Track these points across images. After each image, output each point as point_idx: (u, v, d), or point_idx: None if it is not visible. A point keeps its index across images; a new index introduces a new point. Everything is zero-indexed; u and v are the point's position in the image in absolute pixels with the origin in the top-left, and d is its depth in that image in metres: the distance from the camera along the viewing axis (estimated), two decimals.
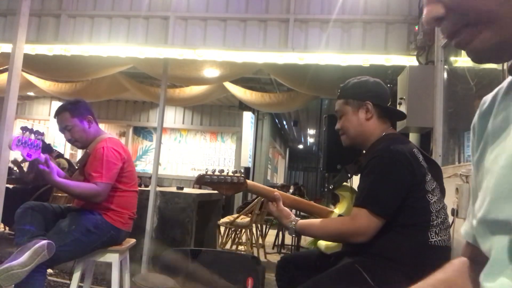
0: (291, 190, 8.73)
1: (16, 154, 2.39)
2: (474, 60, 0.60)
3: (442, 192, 1.63)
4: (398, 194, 1.51)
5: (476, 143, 0.68)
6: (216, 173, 1.77)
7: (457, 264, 0.75)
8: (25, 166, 5.74)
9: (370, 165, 1.57)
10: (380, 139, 1.66)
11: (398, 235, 1.52)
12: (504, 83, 0.64)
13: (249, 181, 1.79)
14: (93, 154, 2.44)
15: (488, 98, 0.68)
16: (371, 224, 1.49)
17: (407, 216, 1.51)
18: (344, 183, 1.86)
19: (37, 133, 2.26)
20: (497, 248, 0.55)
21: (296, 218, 1.70)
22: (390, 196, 1.51)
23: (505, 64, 2.32)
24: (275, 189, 1.83)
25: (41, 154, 2.24)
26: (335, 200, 4.42)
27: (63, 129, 2.51)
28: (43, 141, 5.64)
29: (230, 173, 1.77)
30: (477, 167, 0.67)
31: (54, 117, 2.56)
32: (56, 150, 5.34)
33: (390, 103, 1.76)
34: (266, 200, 1.84)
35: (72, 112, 2.50)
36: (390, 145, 1.58)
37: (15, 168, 5.22)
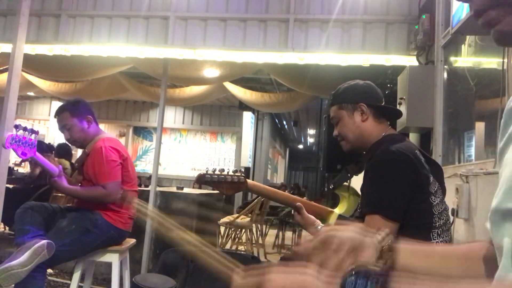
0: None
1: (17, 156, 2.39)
2: (498, 41, 0.60)
3: (444, 193, 1.62)
4: (407, 195, 1.48)
5: (501, 134, 0.68)
6: (217, 172, 1.77)
7: (480, 243, 0.77)
8: (26, 165, 5.75)
9: (373, 168, 1.54)
10: (380, 140, 1.65)
11: (400, 236, 1.50)
12: None
13: (249, 181, 1.79)
14: (92, 154, 2.44)
15: None
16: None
17: (410, 217, 1.49)
18: (344, 183, 1.86)
19: (32, 131, 2.23)
20: (510, 235, 0.55)
21: (321, 225, 1.71)
22: (400, 198, 1.48)
23: (505, 64, 2.28)
24: (297, 197, 1.85)
25: (37, 153, 2.24)
26: (335, 200, 4.42)
27: (62, 128, 2.52)
28: (42, 141, 5.64)
29: (231, 173, 1.77)
30: (500, 158, 0.67)
31: (55, 116, 2.57)
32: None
33: (383, 103, 1.76)
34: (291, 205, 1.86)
35: (72, 112, 2.51)
36: (391, 146, 1.55)
37: (17, 169, 5.22)
